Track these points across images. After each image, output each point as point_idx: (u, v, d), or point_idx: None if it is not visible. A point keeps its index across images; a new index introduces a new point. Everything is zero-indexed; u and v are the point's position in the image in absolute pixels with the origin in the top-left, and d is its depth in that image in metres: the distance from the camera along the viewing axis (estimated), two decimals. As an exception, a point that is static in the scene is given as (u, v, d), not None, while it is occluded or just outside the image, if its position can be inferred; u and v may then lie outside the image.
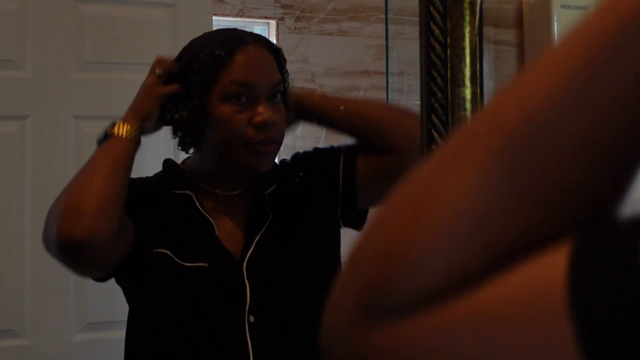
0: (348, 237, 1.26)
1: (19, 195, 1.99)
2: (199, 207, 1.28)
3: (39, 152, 2.00)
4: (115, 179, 1.20)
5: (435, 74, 0.85)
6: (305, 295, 1.27)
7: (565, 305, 0.29)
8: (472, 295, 0.32)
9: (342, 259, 1.31)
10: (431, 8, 0.85)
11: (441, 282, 0.33)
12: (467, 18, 0.84)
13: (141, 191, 1.30)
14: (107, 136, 1.24)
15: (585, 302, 0.29)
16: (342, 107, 1.37)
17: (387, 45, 2.51)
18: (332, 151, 1.40)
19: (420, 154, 0.89)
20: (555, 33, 2.84)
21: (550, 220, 0.32)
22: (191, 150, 1.33)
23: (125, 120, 1.25)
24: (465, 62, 0.85)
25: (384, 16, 2.60)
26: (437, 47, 0.85)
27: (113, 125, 1.25)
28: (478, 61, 0.85)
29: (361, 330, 0.34)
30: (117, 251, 1.21)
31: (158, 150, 1.99)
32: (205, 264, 1.24)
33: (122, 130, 1.23)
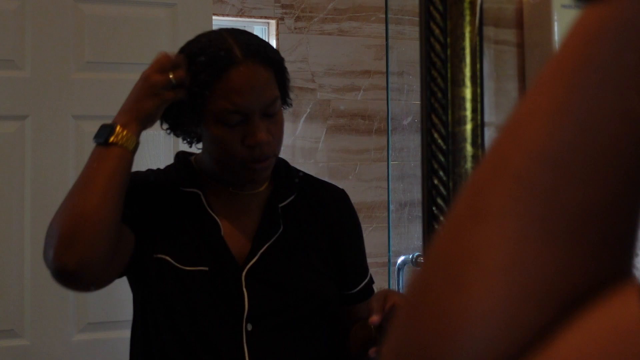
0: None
1: (19, 195, 1.99)
2: (207, 206, 1.27)
3: (39, 152, 2.00)
4: (112, 198, 1.16)
5: (435, 74, 0.85)
6: (305, 308, 1.27)
7: None
8: (545, 354, 0.29)
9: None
10: (431, 8, 0.85)
11: (506, 347, 0.30)
12: (467, 18, 0.84)
13: (148, 189, 1.29)
14: (106, 142, 1.18)
15: None
16: None
17: (387, 45, 2.51)
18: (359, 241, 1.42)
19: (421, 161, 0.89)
20: (555, 33, 2.84)
21: (587, 250, 0.30)
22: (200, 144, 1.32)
23: (125, 124, 1.19)
24: (465, 62, 0.84)
25: (384, 16, 2.60)
26: (437, 47, 0.85)
27: (112, 128, 1.18)
28: (478, 61, 0.85)
29: None
30: (113, 269, 1.21)
31: (158, 150, 1.99)
32: (206, 268, 1.23)
33: (123, 138, 1.18)
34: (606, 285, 0.30)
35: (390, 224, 2.43)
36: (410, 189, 2.60)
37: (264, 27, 2.64)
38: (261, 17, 2.60)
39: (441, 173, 0.86)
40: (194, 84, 1.20)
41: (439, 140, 0.86)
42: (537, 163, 0.30)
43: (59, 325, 1.99)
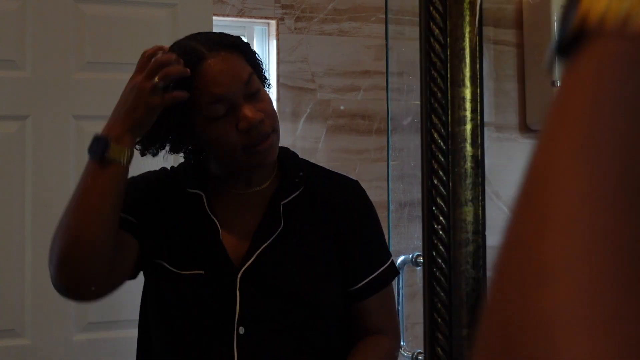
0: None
1: (19, 195, 1.99)
2: (207, 209, 1.27)
3: (39, 152, 2.00)
4: (106, 216, 1.17)
5: (435, 74, 0.85)
6: (300, 313, 1.26)
7: None
8: None
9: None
10: (431, 8, 0.85)
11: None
12: (467, 18, 0.85)
13: (152, 193, 1.30)
14: (101, 157, 1.17)
15: None
16: None
17: (387, 45, 2.51)
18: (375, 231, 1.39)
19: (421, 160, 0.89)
20: (556, 33, 2.84)
21: None
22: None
23: (119, 137, 1.18)
24: (465, 62, 0.85)
25: (384, 16, 2.60)
26: (437, 47, 0.85)
27: (106, 142, 1.17)
28: (478, 61, 0.85)
29: None
30: (115, 279, 1.23)
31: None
32: (202, 272, 1.24)
33: (118, 153, 1.17)
34: None
35: (390, 224, 2.43)
36: (410, 189, 2.60)
37: (264, 27, 2.65)
38: (261, 18, 2.60)
39: (441, 173, 0.86)
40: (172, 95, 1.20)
41: (439, 140, 0.86)
42: (592, 204, 0.28)
43: (60, 325, 1.99)
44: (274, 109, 1.27)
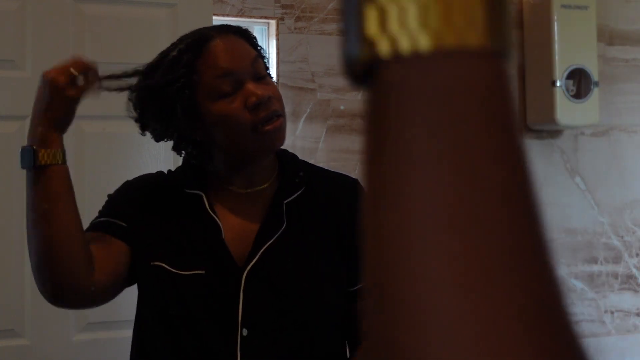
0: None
1: (19, 195, 1.99)
2: (208, 208, 1.26)
3: (39, 152, 2.00)
4: (61, 218, 1.16)
5: (435, 74, 0.85)
6: (304, 314, 1.24)
7: None
8: None
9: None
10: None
11: None
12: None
13: (146, 197, 1.29)
14: (34, 167, 1.16)
15: None
16: None
17: (387, 45, 2.50)
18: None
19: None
20: (556, 33, 2.84)
21: None
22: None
23: (43, 141, 1.16)
24: (465, 62, 0.84)
25: (384, 16, 2.59)
26: (437, 47, 0.85)
27: (34, 152, 1.16)
28: (478, 61, 0.85)
29: None
30: (105, 284, 1.23)
31: (158, 150, 1.99)
32: (203, 272, 1.22)
33: (48, 157, 1.16)
34: None
35: (390, 224, 2.42)
36: (410, 189, 2.60)
37: (264, 27, 2.64)
38: (261, 17, 2.60)
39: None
40: (177, 76, 1.21)
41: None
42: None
43: (59, 325, 1.99)
44: (280, 94, 1.27)
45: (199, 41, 1.22)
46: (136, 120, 1.27)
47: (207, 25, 2.10)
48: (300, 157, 1.40)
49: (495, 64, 0.29)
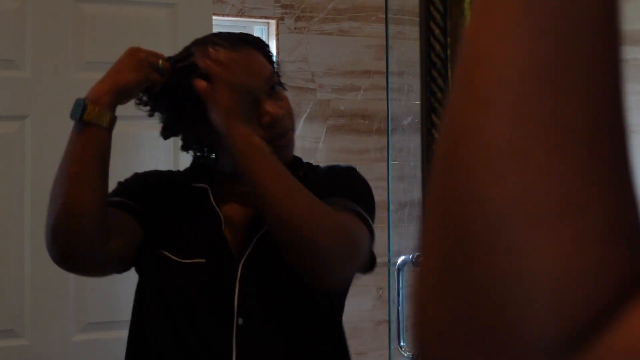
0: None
1: (19, 195, 1.99)
2: (212, 201, 1.28)
3: (39, 152, 2.00)
4: (88, 182, 1.16)
5: (435, 74, 0.85)
6: (299, 303, 1.25)
7: None
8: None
9: None
10: (431, 8, 0.85)
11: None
12: (467, 18, 0.84)
13: (159, 186, 1.32)
14: (80, 119, 1.15)
15: None
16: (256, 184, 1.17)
17: (387, 45, 2.51)
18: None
19: (422, 160, 0.89)
20: None
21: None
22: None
23: (97, 99, 1.15)
24: (465, 62, 0.84)
25: (384, 16, 2.60)
26: (437, 47, 0.85)
27: (84, 104, 1.15)
28: (478, 61, 0.85)
29: None
30: (114, 253, 1.23)
31: (157, 150, 1.99)
32: (203, 260, 1.24)
33: (95, 115, 1.15)
34: None
35: (390, 224, 2.42)
36: (410, 189, 2.60)
37: (264, 27, 2.64)
38: (261, 17, 2.60)
39: (441, 173, 0.86)
40: (193, 88, 1.20)
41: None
42: (532, 82, 0.28)
43: (59, 325, 1.99)
44: (292, 109, 1.29)
45: None
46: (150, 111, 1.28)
47: (207, 25, 2.12)
48: (301, 157, 1.40)
49: None
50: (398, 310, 2.18)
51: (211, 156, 1.33)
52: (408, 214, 2.60)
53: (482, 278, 0.27)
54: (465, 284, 0.28)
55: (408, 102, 2.62)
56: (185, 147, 1.32)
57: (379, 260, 2.63)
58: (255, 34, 2.64)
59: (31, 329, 1.98)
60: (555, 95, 0.27)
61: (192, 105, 1.22)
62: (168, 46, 2.07)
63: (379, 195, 2.57)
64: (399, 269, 2.25)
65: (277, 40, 2.60)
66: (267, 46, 1.30)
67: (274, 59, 1.31)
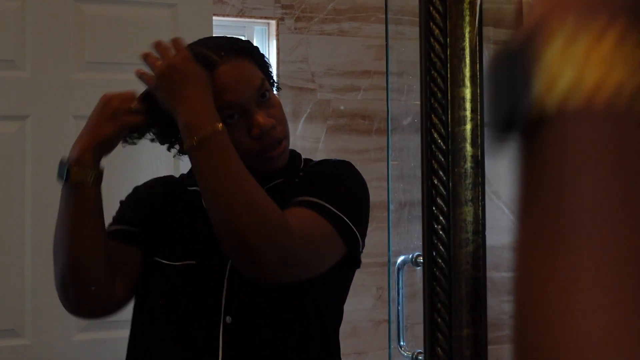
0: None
1: (19, 195, 1.99)
2: (204, 203, 1.28)
3: (39, 152, 2.00)
4: (84, 239, 1.19)
5: (435, 74, 0.85)
6: (286, 302, 1.25)
7: None
8: None
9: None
10: (431, 8, 0.85)
11: None
12: (467, 18, 0.85)
13: (156, 195, 1.34)
14: (65, 180, 1.19)
15: None
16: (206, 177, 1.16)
17: (387, 45, 2.51)
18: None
19: (422, 162, 0.89)
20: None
21: None
22: None
23: (79, 158, 1.19)
24: (465, 62, 0.85)
25: (384, 16, 2.60)
26: (437, 47, 0.85)
27: (68, 166, 1.18)
28: (478, 61, 0.85)
29: None
30: (125, 294, 1.28)
31: (157, 151, 1.99)
32: (194, 262, 1.26)
33: (80, 175, 1.18)
34: None
35: (390, 224, 2.42)
36: (410, 189, 2.60)
37: (264, 27, 2.64)
38: (261, 17, 2.60)
39: (441, 173, 0.86)
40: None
41: (439, 140, 0.86)
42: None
43: (59, 325, 1.99)
44: (284, 115, 1.28)
45: (204, 66, 1.20)
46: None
47: (207, 25, 2.12)
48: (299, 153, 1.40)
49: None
50: (398, 310, 2.18)
51: None
52: (408, 214, 2.61)
53: None
54: None
55: (408, 102, 2.62)
56: (181, 152, 1.32)
57: (379, 260, 2.62)
58: (255, 35, 2.65)
59: (31, 329, 1.98)
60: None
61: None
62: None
63: (379, 195, 2.57)
64: (398, 269, 2.25)
65: (277, 40, 2.60)
66: (257, 49, 1.29)
67: (266, 60, 1.30)
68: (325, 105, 2.66)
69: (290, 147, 1.37)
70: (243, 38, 1.29)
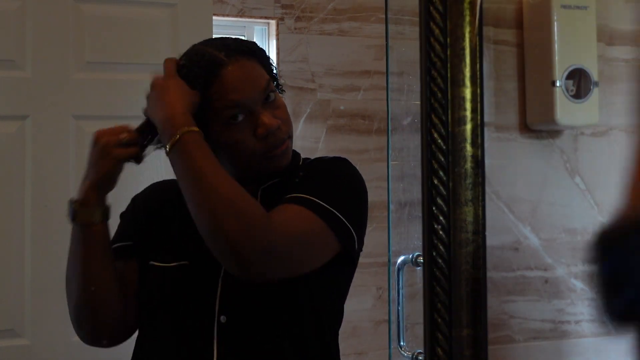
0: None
1: (19, 195, 1.99)
2: None
3: (39, 152, 2.00)
4: (98, 277, 1.25)
5: (435, 74, 0.85)
6: (281, 300, 1.25)
7: None
8: None
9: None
10: (431, 8, 0.85)
11: None
12: (467, 18, 0.85)
13: (150, 201, 1.36)
14: (73, 220, 1.24)
15: None
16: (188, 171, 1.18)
17: (387, 45, 2.51)
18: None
19: (422, 163, 0.89)
20: (555, 33, 2.84)
21: None
22: None
23: (84, 200, 1.22)
24: (465, 62, 0.85)
25: (384, 16, 2.60)
26: (437, 47, 0.85)
27: (74, 207, 1.23)
28: (478, 61, 0.85)
29: None
30: (131, 318, 1.31)
31: (157, 153, 1.99)
32: (187, 262, 1.27)
33: (85, 215, 1.23)
34: None
35: (390, 224, 2.42)
36: (410, 189, 2.60)
37: (264, 27, 2.64)
38: (261, 17, 2.60)
39: (441, 173, 0.86)
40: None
41: (439, 140, 0.86)
42: None
43: (59, 325, 1.98)
44: (288, 115, 1.29)
45: (211, 68, 1.22)
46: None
47: (207, 25, 2.11)
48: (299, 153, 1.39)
49: None
50: (398, 310, 2.18)
51: None
52: (408, 214, 2.60)
53: None
54: None
55: (408, 102, 2.62)
56: None
57: (379, 260, 2.62)
58: (255, 34, 2.65)
59: (31, 329, 1.98)
60: None
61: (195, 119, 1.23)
62: (168, 46, 2.07)
63: (379, 195, 2.58)
64: (399, 269, 2.25)
65: (277, 40, 2.60)
66: (263, 51, 1.30)
67: (271, 62, 1.31)
68: (325, 105, 2.66)
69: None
70: (235, 35, 1.29)
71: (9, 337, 1.97)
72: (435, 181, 0.86)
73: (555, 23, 2.84)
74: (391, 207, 2.50)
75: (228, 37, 1.32)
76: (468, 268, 0.86)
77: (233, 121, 1.22)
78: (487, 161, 0.87)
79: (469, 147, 0.85)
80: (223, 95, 1.21)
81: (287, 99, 2.59)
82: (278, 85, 1.32)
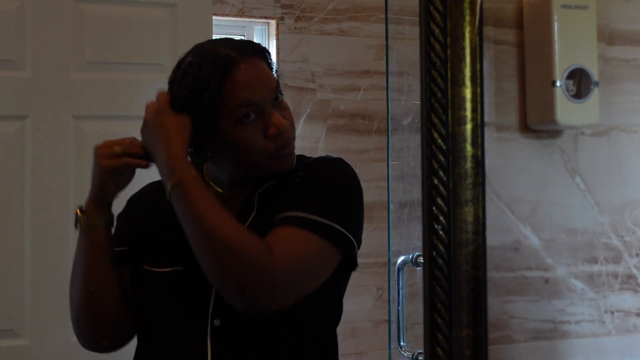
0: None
1: (19, 195, 1.99)
2: None
3: (39, 152, 2.00)
4: (98, 282, 1.27)
5: (435, 74, 0.85)
6: None
7: None
8: None
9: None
10: (431, 8, 0.85)
11: None
12: (467, 18, 0.84)
13: (143, 205, 1.37)
14: (75, 226, 1.28)
15: None
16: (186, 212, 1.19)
17: (387, 45, 2.51)
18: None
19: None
20: (556, 33, 2.84)
21: None
22: None
23: (87, 208, 1.27)
24: (465, 62, 0.84)
25: (384, 16, 2.60)
26: (437, 47, 0.85)
27: (76, 215, 1.27)
28: (478, 61, 0.85)
29: None
30: (131, 323, 1.32)
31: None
32: (181, 267, 1.27)
33: (87, 224, 1.27)
34: None
35: (390, 224, 2.42)
36: (410, 189, 2.60)
37: (264, 27, 2.64)
38: (261, 17, 2.60)
39: (441, 173, 0.86)
40: (203, 99, 1.21)
41: (439, 140, 0.86)
42: None
43: (59, 325, 1.98)
44: (292, 116, 1.31)
45: (225, 66, 1.22)
46: None
47: (207, 25, 2.11)
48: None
49: None
50: (398, 310, 2.18)
51: (202, 161, 1.35)
52: (408, 214, 2.60)
53: None
54: None
55: (408, 102, 2.62)
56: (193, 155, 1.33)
57: (379, 260, 2.62)
58: (255, 34, 2.65)
59: (31, 329, 1.98)
60: None
61: (201, 125, 1.24)
62: (168, 46, 2.07)
63: (379, 195, 2.58)
64: (398, 269, 2.25)
65: (277, 40, 2.60)
66: (269, 52, 1.31)
67: (274, 65, 1.31)
68: (325, 105, 2.66)
69: (291, 147, 1.36)
70: (234, 35, 1.30)
71: (9, 337, 1.97)
72: (435, 181, 0.86)
73: (556, 23, 2.83)
74: (391, 207, 2.50)
75: (233, 38, 1.32)
76: (468, 268, 0.86)
77: (245, 120, 1.22)
78: (487, 161, 0.87)
79: (469, 147, 0.85)
80: (236, 94, 1.21)
81: (287, 99, 2.59)
82: (280, 90, 1.32)
